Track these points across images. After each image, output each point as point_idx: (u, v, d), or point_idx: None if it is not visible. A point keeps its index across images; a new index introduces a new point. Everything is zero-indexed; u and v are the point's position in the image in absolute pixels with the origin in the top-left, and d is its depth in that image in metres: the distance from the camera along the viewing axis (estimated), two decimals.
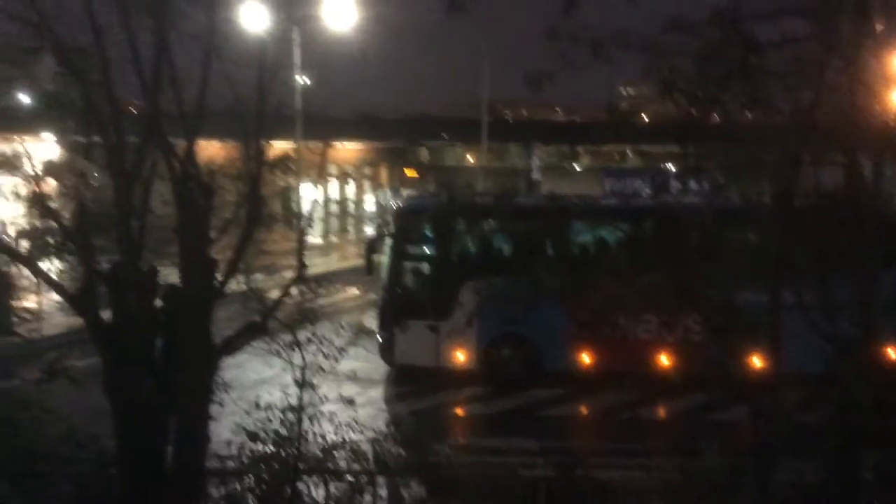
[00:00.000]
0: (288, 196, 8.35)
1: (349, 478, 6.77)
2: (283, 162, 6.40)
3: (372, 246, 14.03)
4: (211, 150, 6.84)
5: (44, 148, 9.22)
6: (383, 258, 13.91)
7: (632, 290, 6.50)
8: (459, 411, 12.88)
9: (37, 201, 6.76)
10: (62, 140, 8.03)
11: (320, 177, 7.14)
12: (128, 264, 5.58)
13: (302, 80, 9.89)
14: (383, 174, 46.12)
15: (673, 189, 9.13)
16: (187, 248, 5.61)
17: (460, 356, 13.27)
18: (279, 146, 6.62)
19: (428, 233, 13.46)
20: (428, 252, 13.90)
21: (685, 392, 12.04)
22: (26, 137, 9.69)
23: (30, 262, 6.26)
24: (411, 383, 13.51)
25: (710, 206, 7.15)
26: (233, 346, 5.81)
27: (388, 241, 13.72)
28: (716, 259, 6.22)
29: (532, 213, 11.55)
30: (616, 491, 6.99)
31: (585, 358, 13.57)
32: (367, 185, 45.10)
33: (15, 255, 6.35)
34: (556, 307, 12.73)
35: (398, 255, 13.59)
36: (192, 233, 5.62)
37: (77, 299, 5.69)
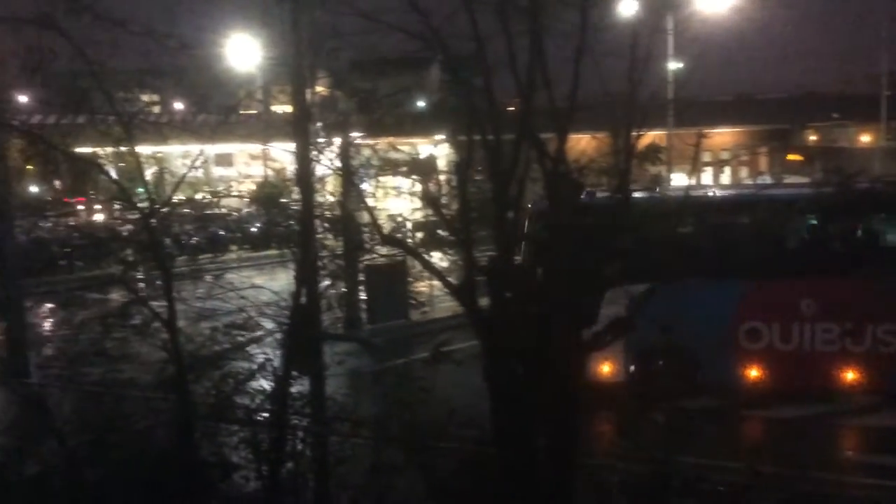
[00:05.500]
0: (658, 187, 8.16)
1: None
2: (652, 153, 6.26)
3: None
4: (581, 144, 6.94)
5: (434, 149, 10.18)
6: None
7: None
8: (840, 423, 11.58)
9: (427, 198, 7.48)
10: (450, 142, 8.75)
11: (694, 166, 6.87)
12: (503, 258, 5.88)
13: (675, 66, 9.63)
14: (763, 159, 43.21)
15: None
16: (559, 244, 5.76)
17: (605, 368, 11.93)
18: (651, 136, 6.50)
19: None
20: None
21: None
22: (421, 140, 10.70)
23: (418, 254, 6.92)
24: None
25: None
26: (601, 341, 5.85)
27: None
28: None
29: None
30: None
31: (752, 371, 11.62)
32: (744, 171, 42.63)
33: (406, 248, 7.08)
34: (717, 314, 10.62)
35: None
36: (563, 228, 5.75)
37: (459, 290, 6.14)
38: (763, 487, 6.35)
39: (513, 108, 6.41)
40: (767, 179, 36.69)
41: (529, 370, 5.80)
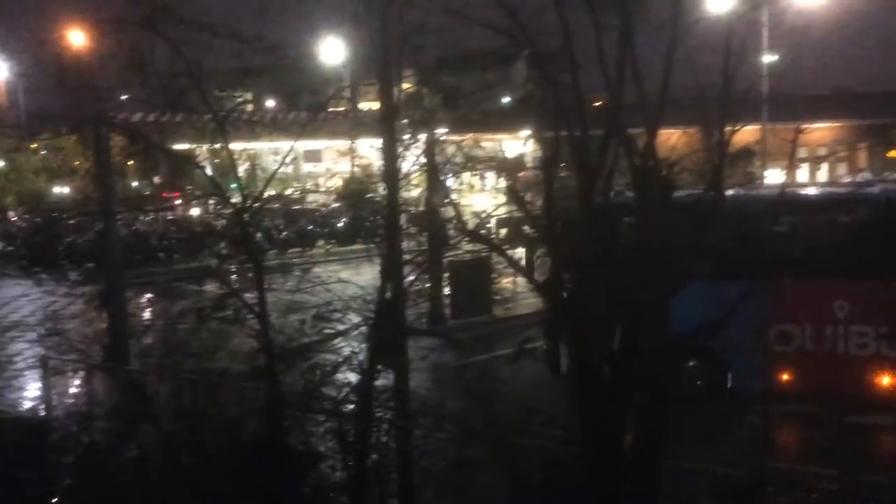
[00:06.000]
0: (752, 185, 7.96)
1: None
2: (746, 154, 6.10)
3: (532, 248, 12.78)
4: (672, 140, 6.81)
5: (519, 145, 10.15)
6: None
7: None
8: None
9: (512, 194, 7.46)
10: (535, 137, 8.72)
11: (790, 162, 6.66)
12: (589, 255, 5.82)
13: (771, 59, 9.33)
14: (862, 156, 41.42)
15: None
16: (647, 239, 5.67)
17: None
18: (745, 132, 6.33)
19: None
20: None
21: None
22: (505, 136, 10.67)
23: (502, 250, 6.92)
24: None
25: None
26: (692, 342, 5.73)
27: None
28: None
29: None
30: None
31: (784, 376, 11.06)
32: (842, 168, 40.96)
33: (490, 244, 7.09)
34: (749, 315, 10.47)
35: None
36: (652, 224, 5.66)
37: (543, 286, 6.12)
38: (858, 495, 6.11)
39: (600, 103, 6.34)
40: (867, 176, 35.16)
41: (616, 369, 5.73)
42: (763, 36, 8.06)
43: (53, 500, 6.86)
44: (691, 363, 11.54)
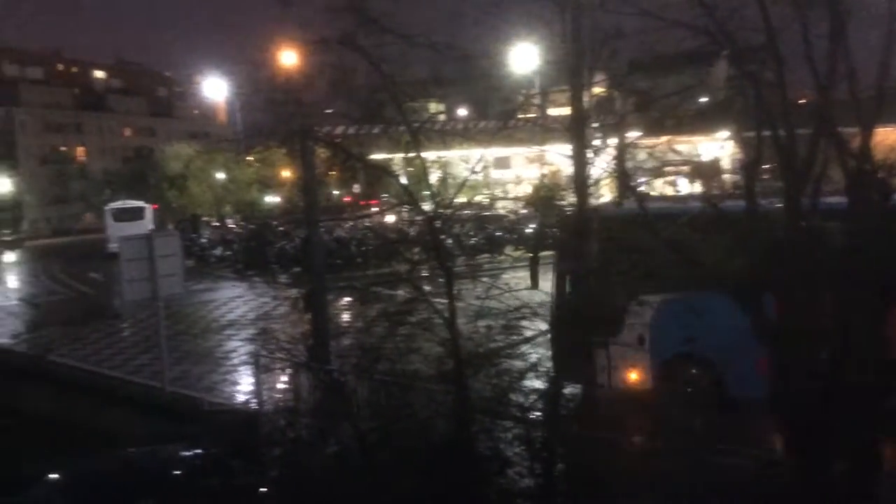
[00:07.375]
0: None
1: None
2: None
3: (535, 257, 11.74)
4: (890, 139, 6.23)
5: (715, 148, 9.71)
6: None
7: None
8: None
9: (708, 200, 7.14)
10: (734, 139, 8.30)
11: None
12: (793, 266, 5.44)
13: None
14: None
15: None
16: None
17: (632, 376, 11.03)
18: None
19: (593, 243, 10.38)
20: (594, 263, 10.83)
21: None
22: (701, 138, 10.23)
23: (696, 258, 6.61)
24: None
25: None
26: None
27: (553, 252, 11.43)
28: None
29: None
30: None
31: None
32: None
33: (683, 252, 6.78)
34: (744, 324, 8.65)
35: (562, 266, 11.34)
36: (868, 231, 5.20)
37: (742, 297, 5.78)
38: None
39: (807, 101, 5.92)
40: None
41: (824, 388, 5.29)
42: None
43: (262, 490, 7.35)
44: (693, 371, 10.91)
